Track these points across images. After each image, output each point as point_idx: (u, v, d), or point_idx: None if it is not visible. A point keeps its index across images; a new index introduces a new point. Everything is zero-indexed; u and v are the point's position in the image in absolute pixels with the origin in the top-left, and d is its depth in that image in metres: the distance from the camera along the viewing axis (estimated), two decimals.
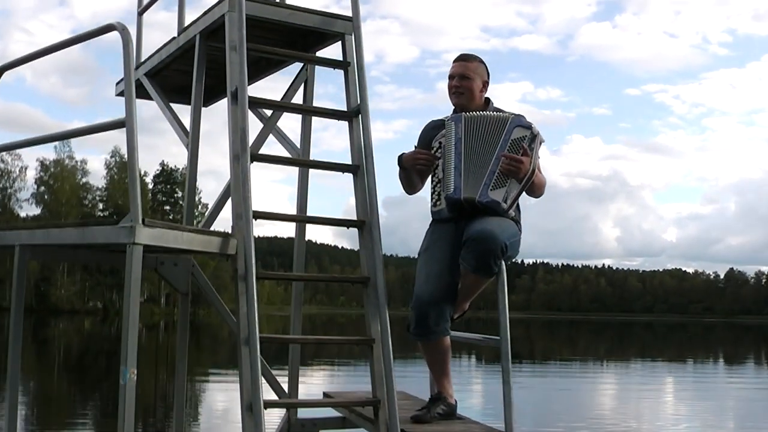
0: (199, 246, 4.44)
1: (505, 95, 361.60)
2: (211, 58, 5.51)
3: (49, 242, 4.50)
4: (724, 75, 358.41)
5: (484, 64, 5.03)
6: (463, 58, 5.01)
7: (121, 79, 6.88)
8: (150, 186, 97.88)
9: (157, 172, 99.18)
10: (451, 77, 4.98)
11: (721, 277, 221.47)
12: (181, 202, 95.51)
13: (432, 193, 4.93)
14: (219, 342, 35.30)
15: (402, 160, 4.99)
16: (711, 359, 34.72)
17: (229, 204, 4.96)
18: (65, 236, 4.40)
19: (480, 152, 4.67)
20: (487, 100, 5.03)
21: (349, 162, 4.95)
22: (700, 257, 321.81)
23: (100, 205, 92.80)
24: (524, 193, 4.77)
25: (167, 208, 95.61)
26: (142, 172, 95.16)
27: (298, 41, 5.48)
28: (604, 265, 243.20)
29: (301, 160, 5.46)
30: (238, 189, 4.49)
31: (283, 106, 5.32)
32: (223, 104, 6.90)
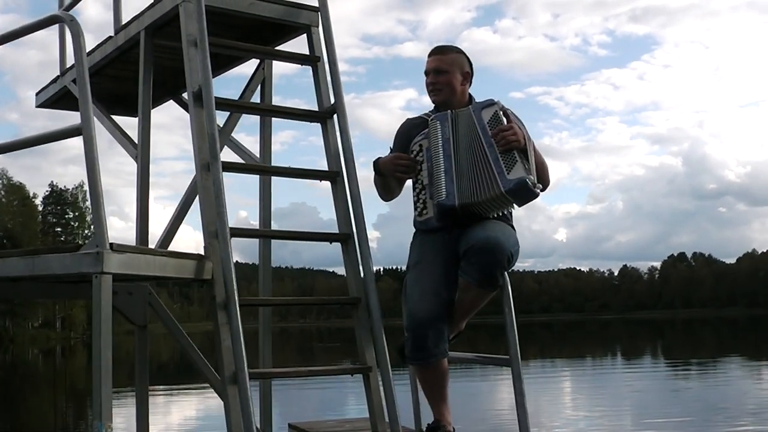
0: (172, 272, 3.80)
1: (390, 102, 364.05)
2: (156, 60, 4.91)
3: None
4: (605, 75, 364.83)
5: (464, 54, 4.53)
6: (437, 51, 4.49)
7: (42, 89, 6.24)
8: (40, 208, 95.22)
9: (47, 193, 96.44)
10: (426, 74, 4.48)
11: (616, 274, 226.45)
12: (72, 224, 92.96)
13: (416, 202, 4.37)
14: (117, 362, 33.87)
15: (379, 165, 4.43)
16: (609, 355, 35.11)
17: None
18: (9, 268, 3.68)
19: (469, 152, 4.16)
20: (470, 96, 4.53)
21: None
22: (590, 256, 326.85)
23: None
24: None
25: (58, 230, 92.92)
26: (31, 194, 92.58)
27: (254, 36, 4.91)
28: None
29: (275, 168, 4.83)
30: (210, 203, 3.90)
31: (251, 108, 4.74)
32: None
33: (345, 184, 4.35)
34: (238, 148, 5.19)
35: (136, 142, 4.83)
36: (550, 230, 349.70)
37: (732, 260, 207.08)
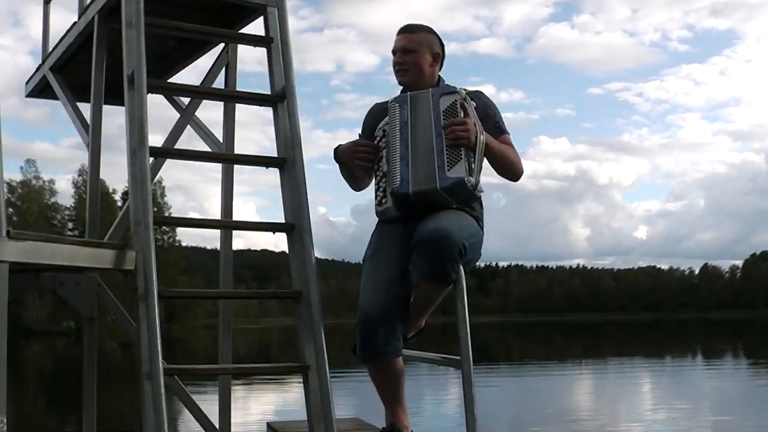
0: (86, 261, 3.63)
1: None
2: (117, 45, 4.73)
3: None
4: (685, 71, 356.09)
5: (435, 34, 4.25)
6: (407, 29, 4.21)
7: (30, 78, 6.14)
8: (119, 203, 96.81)
9: (126, 188, 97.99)
10: (393, 53, 4.22)
11: (696, 272, 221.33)
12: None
13: (376, 190, 4.11)
14: (194, 358, 33.95)
15: (338, 154, 4.20)
16: (689, 355, 34.31)
17: None
18: None
19: (424, 137, 3.91)
20: (440, 79, 4.26)
21: (275, 154, 4.18)
22: (670, 254, 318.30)
23: (70, 225, 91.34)
24: (499, 173, 4.04)
25: None
26: (110, 190, 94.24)
27: (217, 20, 4.71)
28: (578, 265, 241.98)
29: (215, 154, 4.63)
30: (136, 191, 3.72)
31: (188, 90, 4.52)
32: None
33: (293, 170, 4.12)
34: (203, 132, 4.99)
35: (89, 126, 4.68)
36: (629, 228, 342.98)
37: None
